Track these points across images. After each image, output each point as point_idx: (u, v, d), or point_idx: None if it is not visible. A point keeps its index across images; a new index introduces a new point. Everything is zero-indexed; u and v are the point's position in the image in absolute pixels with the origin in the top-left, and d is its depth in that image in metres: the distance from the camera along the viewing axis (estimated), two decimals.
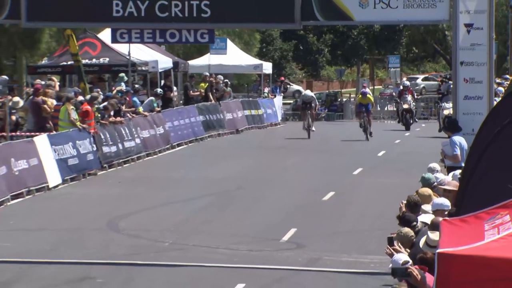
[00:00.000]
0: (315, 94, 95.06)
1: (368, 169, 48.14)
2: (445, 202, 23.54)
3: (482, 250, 14.03)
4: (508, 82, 55.82)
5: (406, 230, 22.93)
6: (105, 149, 50.74)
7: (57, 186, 44.58)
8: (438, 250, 14.52)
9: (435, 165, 28.47)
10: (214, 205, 40.75)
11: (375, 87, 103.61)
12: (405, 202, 25.53)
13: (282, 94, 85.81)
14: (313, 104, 47.27)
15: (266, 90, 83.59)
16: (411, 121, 50.42)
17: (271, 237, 33.88)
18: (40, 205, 41.12)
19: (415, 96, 50.88)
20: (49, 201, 42.09)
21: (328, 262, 30.71)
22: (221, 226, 35.89)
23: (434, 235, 15.31)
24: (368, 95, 42.72)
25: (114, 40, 39.74)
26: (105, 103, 55.71)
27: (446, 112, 41.84)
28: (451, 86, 40.28)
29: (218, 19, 34.47)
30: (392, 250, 22.08)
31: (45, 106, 51.37)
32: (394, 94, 56.23)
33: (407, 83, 63.28)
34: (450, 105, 41.10)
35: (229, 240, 32.92)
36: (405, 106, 51.86)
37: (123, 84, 64.42)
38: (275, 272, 29.55)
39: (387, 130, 54.12)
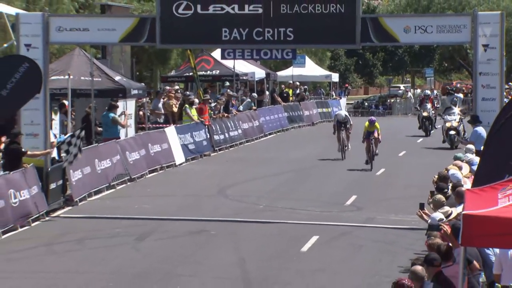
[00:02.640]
0: (371, 97, 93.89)
1: (409, 152, 47.59)
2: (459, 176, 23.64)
3: (495, 213, 13.91)
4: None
5: (439, 196, 22.69)
6: (216, 137, 50.92)
7: (181, 164, 45.21)
8: (463, 212, 14.38)
9: (471, 147, 28.43)
10: (295, 178, 41.11)
11: (416, 90, 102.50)
12: (437, 176, 25.40)
13: (346, 96, 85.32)
14: (348, 125, 40.26)
15: (333, 93, 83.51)
16: (430, 128, 48.22)
17: (337, 202, 34.38)
18: (169, 177, 41.69)
19: (435, 105, 48.37)
20: (175, 174, 42.76)
21: (380, 220, 31.02)
22: (300, 194, 36.58)
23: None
24: (375, 123, 37.84)
25: (222, 57, 39.84)
26: (215, 103, 56.22)
27: (448, 124, 39.68)
28: (455, 98, 39.51)
29: (299, 41, 34.43)
30: (422, 213, 22.04)
31: (172, 106, 51.81)
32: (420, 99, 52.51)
33: (428, 92, 58.63)
34: (452, 117, 39.65)
35: (306, 204, 33.62)
36: (425, 114, 48.85)
37: (228, 90, 64.99)
38: (341, 227, 30.03)
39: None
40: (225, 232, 28.47)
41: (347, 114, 35.50)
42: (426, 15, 70.30)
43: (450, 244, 17.03)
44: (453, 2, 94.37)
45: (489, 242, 14.92)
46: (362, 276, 23.58)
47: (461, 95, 43.38)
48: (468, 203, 14.65)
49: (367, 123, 35.55)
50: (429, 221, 20.08)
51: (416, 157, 46.75)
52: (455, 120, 36.97)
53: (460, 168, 25.31)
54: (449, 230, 18.57)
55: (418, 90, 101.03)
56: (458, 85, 60.55)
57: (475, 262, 17.10)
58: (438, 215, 20.07)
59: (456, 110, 38.39)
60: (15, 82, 29.45)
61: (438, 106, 47.79)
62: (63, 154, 33.75)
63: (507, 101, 28.89)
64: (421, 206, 23.01)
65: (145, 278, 23.42)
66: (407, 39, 35.95)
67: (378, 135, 37.93)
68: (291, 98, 73.54)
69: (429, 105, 47.34)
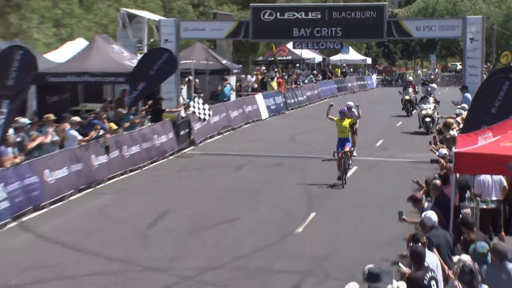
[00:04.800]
0: (393, 74, 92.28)
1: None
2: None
3: (475, 150, 13.81)
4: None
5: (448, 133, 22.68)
6: (289, 101, 50.61)
7: (266, 118, 44.80)
8: (455, 150, 14.37)
9: (466, 106, 27.79)
10: None
11: (423, 69, 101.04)
12: (440, 126, 25.19)
13: (376, 73, 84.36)
14: (354, 128, 29.06)
15: (367, 71, 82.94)
16: (412, 109, 44.34)
17: (370, 145, 33.79)
18: (257, 128, 41.52)
19: (416, 90, 45.96)
20: (261, 126, 42.47)
21: (399, 156, 30.76)
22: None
23: None
24: (348, 118, 26.46)
25: (294, 47, 40.83)
26: (289, 78, 56.39)
27: (424, 112, 36.11)
28: (429, 88, 38.45)
29: (344, 37, 34.56)
30: (434, 148, 21.66)
31: (259, 80, 52.14)
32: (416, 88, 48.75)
33: (411, 79, 54.51)
34: (427, 105, 36.45)
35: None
36: (407, 97, 45.16)
37: (297, 69, 65.11)
38: (372, 161, 29.69)
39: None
40: (295, 165, 28.51)
41: (352, 107, 27.77)
42: (431, 18, 69.34)
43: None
44: (450, 9, 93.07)
45: (472, 170, 15.01)
46: (387, 192, 23.66)
47: (435, 85, 41.72)
48: (458, 144, 14.68)
49: (335, 118, 25.42)
50: (437, 153, 19.98)
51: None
52: (430, 108, 35.15)
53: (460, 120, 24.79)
54: (445, 163, 18.53)
55: (425, 70, 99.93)
56: (432, 76, 56.89)
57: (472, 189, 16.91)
58: (443, 150, 19.91)
59: (431, 99, 36.26)
60: (159, 65, 29.63)
61: (418, 91, 44.96)
62: (188, 112, 34.32)
63: (486, 76, 28.96)
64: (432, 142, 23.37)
65: (242, 194, 23.93)
66: (418, 35, 35.98)
67: (353, 141, 28.34)
68: (339, 75, 73.47)
69: (410, 90, 44.70)
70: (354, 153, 28.41)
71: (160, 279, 15.48)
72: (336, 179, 24.26)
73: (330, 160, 27.29)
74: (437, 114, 34.51)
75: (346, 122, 24.74)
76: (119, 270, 16.26)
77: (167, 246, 18.02)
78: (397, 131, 39.56)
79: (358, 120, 28.25)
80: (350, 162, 25.19)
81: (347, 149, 24.19)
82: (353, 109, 27.31)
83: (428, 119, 35.17)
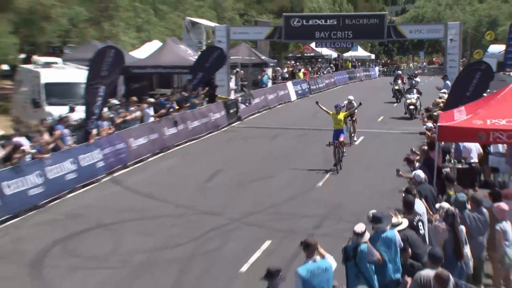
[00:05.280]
0: (390, 67, 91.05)
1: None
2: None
3: (454, 124, 13.64)
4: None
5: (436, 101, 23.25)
6: (311, 87, 49.84)
7: (294, 100, 44.15)
8: (438, 124, 14.28)
9: (445, 90, 27.35)
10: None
11: (414, 63, 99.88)
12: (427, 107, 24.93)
13: (378, 66, 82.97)
14: (354, 117, 26.44)
15: (371, 65, 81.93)
16: (400, 97, 41.13)
17: (373, 120, 33.10)
18: (288, 108, 40.89)
19: (404, 81, 44.31)
20: (291, 106, 41.73)
21: (395, 128, 30.31)
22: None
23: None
24: (341, 112, 22.07)
25: (316, 46, 40.38)
26: (310, 69, 55.87)
27: (408, 101, 34.38)
28: (414, 82, 37.43)
29: (354, 38, 34.53)
30: (424, 121, 21.29)
31: (289, 71, 51.77)
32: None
33: (400, 72, 51.43)
34: (411, 95, 34.68)
35: (358, 121, 31.97)
36: (397, 87, 42.58)
37: (318, 64, 64.44)
38: (375, 132, 29.43)
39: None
40: (316, 135, 28.02)
41: (353, 100, 26.06)
42: (420, 24, 68.00)
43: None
44: (436, 17, 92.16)
45: (451, 139, 14.91)
46: (387, 156, 23.39)
47: (418, 79, 40.74)
48: (440, 120, 14.58)
49: (331, 112, 21.65)
50: (424, 127, 19.82)
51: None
52: (413, 98, 33.88)
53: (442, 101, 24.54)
54: (430, 134, 18.42)
55: (415, 63, 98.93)
56: (416, 72, 55.36)
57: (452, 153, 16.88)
58: (429, 124, 19.70)
59: (415, 90, 34.93)
60: (213, 60, 29.66)
61: (405, 82, 43.42)
62: (237, 95, 34.39)
63: (462, 68, 28.58)
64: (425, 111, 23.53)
65: (276, 157, 23.86)
66: (411, 36, 35.71)
67: (353, 128, 26.71)
68: (349, 67, 72.54)
69: (399, 81, 42.92)
70: (355, 138, 26.53)
71: (214, 221, 15.58)
72: (332, 166, 21.01)
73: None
74: (420, 102, 33.39)
75: (341, 115, 21.42)
76: (183, 213, 16.41)
77: (220, 196, 18.09)
78: (393, 110, 38.77)
79: (356, 111, 25.80)
80: (344, 150, 21.81)
81: (341, 139, 21.06)
82: (353, 102, 25.74)
83: (411, 107, 33.97)
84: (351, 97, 26.20)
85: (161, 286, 11.82)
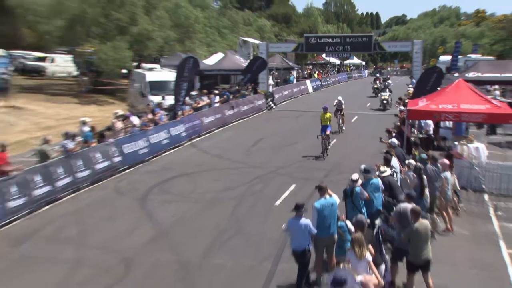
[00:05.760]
0: (374, 70, 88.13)
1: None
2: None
3: (418, 108, 13.33)
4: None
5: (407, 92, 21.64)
6: (323, 83, 48.38)
7: (311, 93, 42.76)
8: (408, 108, 14.04)
9: (411, 86, 26.58)
10: (346, 97, 33.64)
11: (390, 67, 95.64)
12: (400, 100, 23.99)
13: (367, 69, 80.00)
14: (343, 112, 23.25)
15: (362, 69, 79.81)
16: (378, 93, 37.29)
17: (363, 106, 32.05)
18: (306, 98, 39.67)
19: (380, 81, 41.74)
20: (309, 97, 40.38)
21: (378, 111, 29.36)
22: (353, 103, 32.20)
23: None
24: (328, 112, 18.84)
25: (326, 56, 39.49)
26: (322, 71, 54.66)
27: (382, 97, 31.42)
28: (386, 83, 35.75)
29: (352, 50, 33.64)
30: (400, 104, 20.48)
31: (306, 73, 50.66)
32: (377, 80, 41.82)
33: (378, 75, 46.49)
34: (384, 93, 31.85)
35: (354, 109, 30.47)
36: (376, 86, 39.18)
37: (327, 68, 62.91)
38: (365, 114, 27.96)
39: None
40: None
41: (341, 100, 23.46)
42: (396, 41, 66.12)
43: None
44: (406, 37, 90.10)
45: (417, 117, 14.65)
46: (372, 129, 22.53)
47: (390, 81, 38.82)
48: (409, 105, 14.37)
49: (321, 113, 18.69)
50: (398, 109, 19.47)
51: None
52: (386, 95, 31.51)
53: (410, 93, 23.86)
54: (402, 115, 18.00)
55: (391, 68, 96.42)
56: (388, 76, 52.48)
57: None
58: (402, 108, 19.34)
59: (387, 89, 33.01)
60: (257, 65, 29.35)
61: (382, 83, 40.59)
62: (273, 89, 34.01)
63: (423, 71, 27.59)
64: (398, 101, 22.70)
65: (299, 131, 23.37)
66: (389, 49, 34.39)
67: (342, 120, 23.16)
68: (348, 70, 70.82)
69: (378, 82, 40.34)
70: (343, 128, 22.81)
71: (258, 172, 15.51)
72: (320, 153, 17.81)
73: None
74: (391, 98, 31.45)
75: (328, 115, 18.36)
76: (237, 167, 16.35)
77: (261, 155, 17.95)
78: (377, 100, 37.83)
79: (344, 107, 22.98)
80: (330, 141, 18.38)
81: (327, 132, 18.02)
82: (341, 101, 22.99)
83: (385, 101, 31.57)
84: (340, 97, 23.50)
85: (223, 215, 11.88)
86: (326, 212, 8.29)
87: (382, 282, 6.94)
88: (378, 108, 31.73)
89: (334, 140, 20.50)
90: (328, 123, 18.27)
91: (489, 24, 78.17)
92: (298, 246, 7.87)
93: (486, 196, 12.58)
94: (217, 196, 13.19)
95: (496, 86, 25.75)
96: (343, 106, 23.07)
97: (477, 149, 13.53)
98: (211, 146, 19.81)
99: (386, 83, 36.18)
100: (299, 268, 7.97)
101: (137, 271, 8.85)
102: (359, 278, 6.33)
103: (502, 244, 10.07)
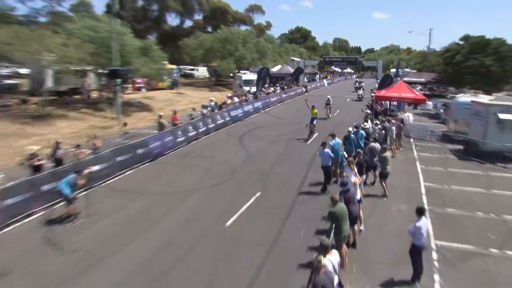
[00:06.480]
0: (359, 76, 74.74)
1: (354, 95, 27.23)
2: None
3: (381, 95, 12.88)
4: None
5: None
6: (332, 82, 42.87)
7: (326, 86, 36.83)
8: (375, 94, 13.79)
9: (376, 84, 23.61)
10: (335, 99, 21.65)
11: (367, 74, 71.82)
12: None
13: (355, 75, 63.56)
14: (330, 105, 17.53)
15: (354, 75, 71.12)
16: (356, 91, 28.08)
17: (343, 101, 22.91)
18: (323, 89, 34.30)
19: (358, 84, 31.16)
20: (324, 89, 33.74)
21: (356, 100, 23.67)
22: (342, 99, 23.60)
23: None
24: (315, 108, 13.37)
25: (334, 67, 35.65)
26: (332, 75, 50.13)
27: (358, 93, 25.45)
28: (361, 85, 29.90)
29: (347, 64, 32.20)
30: (373, 100, 15.97)
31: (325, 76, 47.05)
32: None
33: (358, 79, 36.79)
34: (359, 91, 26.05)
35: (342, 102, 23.29)
36: (356, 86, 30.53)
37: (333, 74, 56.21)
38: (348, 103, 22.22)
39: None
40: (337, 97, 23.27)
41: (330, 98, 18.35)
42: (370, 60, 56.43)
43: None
44: (378, 58, 76.83)
45: (380, 99, 14.42)
46: (355, 108, 19.54)
47: (363, 84, 31.45)
48: (376, 93, 13.94)
49: (310, 107, 13.71)
50: (371, 95, 18.34)
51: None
52: (360, 92, 25.69)
53: (376, 87, 21.88)
54: (373, 98, 17.12)
55: (367, 74, 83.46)
56: (362, 80, 42.59)
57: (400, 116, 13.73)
58: (373, 94, 17.90)
59: (361, 89, 27.71)
60: (298, 71, 28.65)
61: (358, 85, 31.97)
62: (305, 84, 31.47)
63: (383, 76, 23.40)
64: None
65: (320, 105, 17.48)
66: (366, 64, 32.99)
67: (330, 111, 17.61)
68: (345, 75, 62.77)
69: (357, 83, 32.66)
70: (330, 116, 17.22)
71: (298, 126, 14.71)
72: (306, 137, 13.17)
73: (354, 100, 21.85)
74: (363, 94, 26.15)
75: (315, 111, 13.58)
76: (287, 123, 15.62)
77: (300, 118, 15.64)
78: (355, 95, 26.86)
79: (331, 103, 17.86)
80: (314, 129, 13.40)
81: (314, 123, 13.37)
82: (330, 99, 18.01)
83: (360, 96, 25.56)
84: (329, 96, 18.44)
85: (280, 147, 11.86)
86: (336, 147, 8.96)
87: (361, 181, 7.50)
88: (356, 99, 23.97)
89: (337, 112, 17.98)
90: (315, 116, 13.52)
91: (413, 54, 72.28)
92: (325, 163, 8.61)
93: (411, 140, 13.57)
94: (277, 138, 13.25)
95: (418, 85, 25.38)
96: (331, 102, 17.77)
97: (408, 116, 14.51)
98: (275, 112, 18.69)
99: (361, 85, 32.06)
100: (325, 176, 8.58)
101: (238, 175, 9.75)
102: (352, 179, 6.91)
103: (417, 163, 11.00)
